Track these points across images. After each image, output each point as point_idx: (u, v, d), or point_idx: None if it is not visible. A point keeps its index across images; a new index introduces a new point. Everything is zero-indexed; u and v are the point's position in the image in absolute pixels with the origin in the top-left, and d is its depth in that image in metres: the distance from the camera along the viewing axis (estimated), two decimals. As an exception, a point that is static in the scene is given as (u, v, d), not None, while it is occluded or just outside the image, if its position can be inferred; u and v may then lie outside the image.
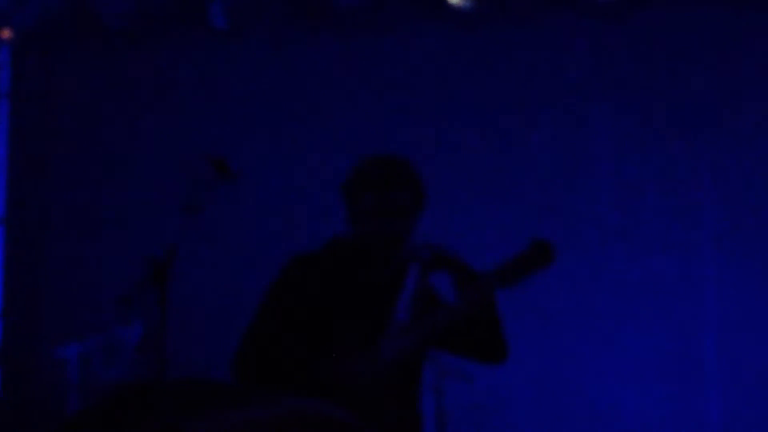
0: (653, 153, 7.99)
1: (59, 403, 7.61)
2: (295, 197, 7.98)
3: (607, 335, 7.94)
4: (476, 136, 8.17)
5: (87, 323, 7.64)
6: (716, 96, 7.93)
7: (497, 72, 8.22)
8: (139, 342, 7.74)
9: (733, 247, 7.82)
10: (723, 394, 7.84)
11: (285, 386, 3.99)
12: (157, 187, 7.97)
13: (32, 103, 8.80)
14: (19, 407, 8.32)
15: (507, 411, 8.12)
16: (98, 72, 8.66)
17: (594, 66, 8.14)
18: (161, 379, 4.97)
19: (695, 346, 7.90)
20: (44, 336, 8.14)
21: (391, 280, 4.15)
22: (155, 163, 8.02)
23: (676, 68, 8.00)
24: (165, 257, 4.29)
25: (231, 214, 7.38)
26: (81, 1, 8.31)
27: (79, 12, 8.34)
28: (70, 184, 8.72)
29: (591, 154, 8.12)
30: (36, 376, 8.22)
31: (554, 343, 7.77)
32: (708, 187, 7.94)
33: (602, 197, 8.03)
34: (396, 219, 4.08)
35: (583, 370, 7.89)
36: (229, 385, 3.44)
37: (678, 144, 7.95)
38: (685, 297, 7.86)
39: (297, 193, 8.00)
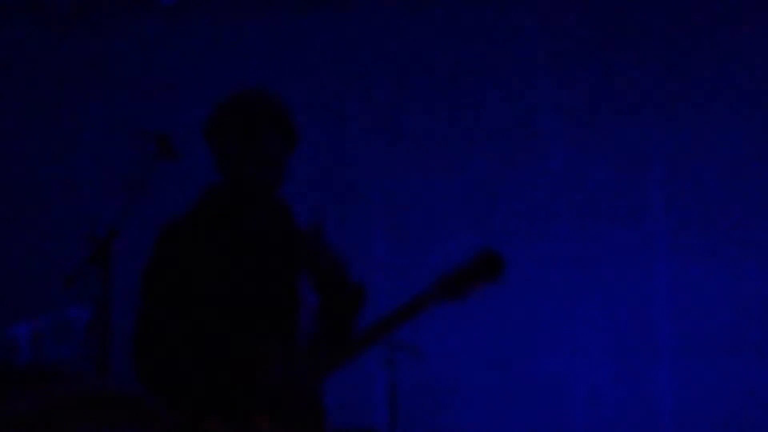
0: (603, 129, 7.97)
1: (6, 381, 7.55)
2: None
3: (560, 310, 7.95)
4: (426, 111, 8.09)
5: (37, 302, 7.54)
6: (668, 74, 7.93)
7: (447, 48, 8.14)
8: (90, 321, 7.67)
9: (684, 218, 7.84)
10: (674, 368, 7.85)
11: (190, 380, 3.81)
12: (103, 164, 7.93)
13: None
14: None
15: (460, 386, 8.06)
16: (43, 48, 8.58)
17: (543, 42, 8.08)
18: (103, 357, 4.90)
19: (648, 320, 7.94)
20: None
21: (269, 227, 4.00)
22: (101, 140, 7.96)
23: (629, 45, 7.97)
24: (107, 236, 4.20)
25: (175, 192, 7.33)
26: None
27: None
28: (16, 162, 8.62)
29: (539, 131, 8.07)
30: None
31: (507, 317, 7.73)
32: (658, 161, 7.93)
33: (552, 173, 8.00)
34: (264, 167, 3.91)
35: (536, 345, 7.90)
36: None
37: (628, 120, 7.95)
38: (637, 271, 7.87)
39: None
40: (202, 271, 3.87)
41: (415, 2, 8.10)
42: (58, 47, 8.55)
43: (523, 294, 7.65)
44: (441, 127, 8.11)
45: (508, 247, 7.65)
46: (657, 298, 7.88)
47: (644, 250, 7.90)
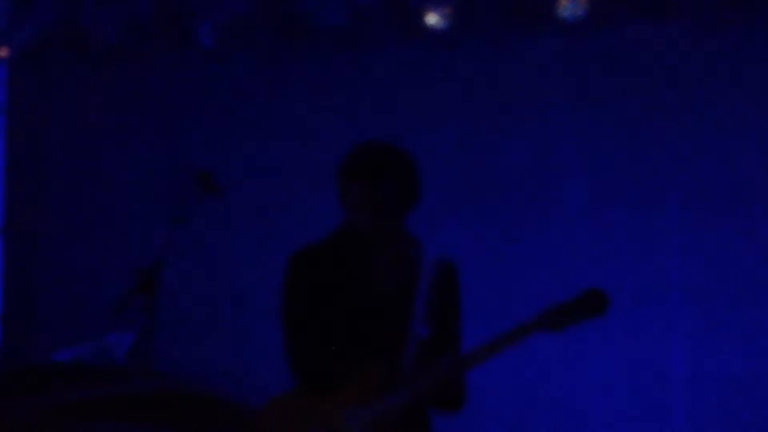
0: (621, 162, 7.89)
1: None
2: (279, 210, 7.95)
3: (577, 342, 7.48)
4: (453, 148, 8.08)
5: (81, 330, 7.57)
6: (678, 106, 7.82)
7: (472, 88, 8.15)
8: (130, 348, 7.73)
9: (702, 256, 7.73)
10: (689, 403, 7.77)
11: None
12: (147, 200, 7.96)
13: (28, 119, 8.80)
14: (13, 410, 8.26)
15: (481, 412, 7.48)
16: (91, 88, 8.64)
17: (563, 81, 8.04)
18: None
19: (662, 355, 7.80)
20: (41, 341, 8.11)
21: (389, 263, 4.09)
22: (146, 177, 8.04)
23: (642, 82, 7.91)
24: (153, 267, 4.35)
25: (218, 226, 7.41)
26: (73, 21, 8.28)
27: (72, 31, 8.31)
28: (65, 197, 8.70)
29: (561, 164, 8.02)
30: (32, 381, 7.64)
31: (526, 349, 7.62)
32: (675, 199, 7.86)
33: (572, 207, 7.95)
34: (379, 213, 4.00)
35: (553, 376, 7.82)
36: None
37: (645, 151, 7.90)
38: (654, 306, 7.78)
39: (280, 207, 7.97)
40: (320, 297, 4.01)
41: (444, 47, 8.10)
42: (107, 89, 8.62)
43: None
44: (471, 164, 8.11)
45: (529, 281, 7.69)
46: (673, 335, 7.79)
47: (661, 288, 7.79)
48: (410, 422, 3.97)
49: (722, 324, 7.65)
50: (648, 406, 7.80)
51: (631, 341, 7.77)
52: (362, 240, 4.07)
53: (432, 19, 7.85)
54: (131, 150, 8.46)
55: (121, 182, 8.38)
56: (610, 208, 7.94)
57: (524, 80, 8.09)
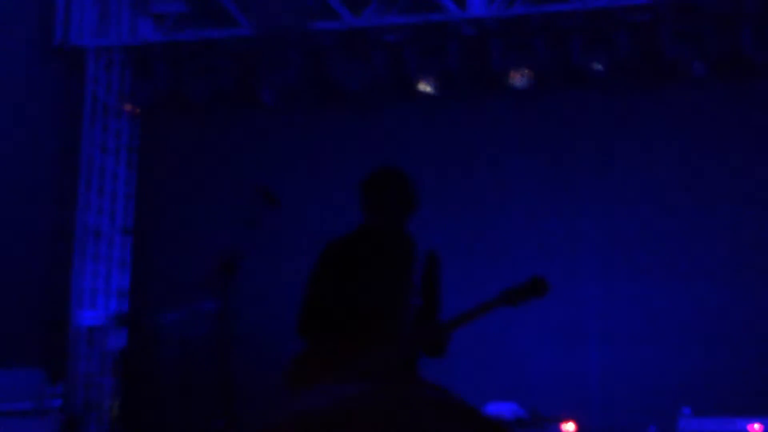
0: (552, 183, 8.00)
1: (162, 351, 7.66)
2: (321, 217, 7.86)
3: (521, 311, 7.68)
4: (438, 176, 8.00)
5: (180, 299, 7.32)
6: (596, 154, 7.96)
7: (451, 135, 8.25)
8: (216, 312, 7.59)
9: (612, 257, 7.79)
10: (600, 352, 7.74)
11: (333, 336, 3.85)
12: (230, 209, 7.68)
13: (147, 154, 8.88)
14: (137, 354, 8.38)
15: (454, 355, 7.80)
16: (190, 133, 8.76)
17: (515, 131, 8.15)
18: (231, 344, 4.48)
19: (581, 317, 7.83)
20: (153, 308, 8.06)
21: (394, 252, 4.00)
22: (230, 194, 7.88)
23: (571, 134, 8.03)
24: (231, 257, 4.14)
25: (279, 228, 7.09)
26: (178, 88, 8.37)
27: (177, 94, 8.44)
28: (174, 207, 8.70)
29: (510, 188, 8.11)
30: (148, 334, 8.16)
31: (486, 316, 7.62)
32: (590, 215, 7.92)
33: (519, 217, 7.99)
34: (385, 214, 3.95)
35: (506, 334, 7.75)
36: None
37: (567, 179, 7.98)
38: (570, 288, 7.72)
39: (323, 215, 7.87)
40: (346, 272, 3.93)
41: (434, 109, 8.14)
42: (200, 134, 8.68)
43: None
44: (467, 193, 8.09)
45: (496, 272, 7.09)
46: (588, 302, 7.78)
47: (578, 276, 7.80)
48: (407, 365, 3.87)
49: (626, 297, 7.72)
50: (570, 354, 7.79)
51: (557, 308, 7.62)
52: (374, 235, 4.03)
53: (423, 86, 8.02)
54: (217, 175, 8.47)
55: (211, 197, 8.38)
56: (545, 219, 7.99)
57: (487, 130, 8.21)
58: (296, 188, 7.85)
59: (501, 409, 6.95)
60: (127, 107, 8.60)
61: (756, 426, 6.57)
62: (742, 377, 7.23)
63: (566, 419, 6.91)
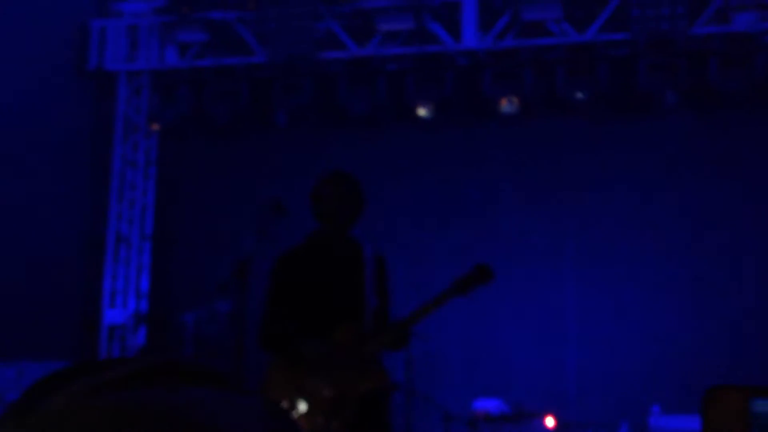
0: (535, 209, 8.21)
1: (182, 350, 7.54)
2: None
3: (508, 314, 8.03)
4: (430, 192, 8.26)
5: (198, 300, 7.52)
6: (577, 177, 8.17)
7: (446, 156, 8.47)
8: (230, 312, 7.11)
9: (590, 268, 7.95)
10: (578, 353, 7.90)
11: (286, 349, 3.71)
12: (244, 219, 7.33)
13: (170, 169, 9.09)
14: (157, 352, 8.54)
15: (445, 355, 7.87)
16: (209, 150, 8.93)
17: (503, 154, 8.40)
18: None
19: (561, 321, 7.99)
20: (173, 308, 8.14)
21: (345, 257, 3.92)
22: (243, 205, 7.32)
23: (556, 158, 8.23)
24: (244, 262, 3.98)
25: (288, 235, 6.97)
26: (201, 108, 8.62)
27: (200, 115, 8.68)
28: (192, 217, 8.90)
29: (496, 201, 8.28)
30: (168, 333, 8.26)
31: (475, 317, 7.75)
32: (571, 237, 8.08)
33: (508, 241, 8.10)
34: (328, 219, 3.91)
35: (492, 333, 8.04)
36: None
37: (553, 200, 8.19)
38: (553, 297, 8.04)
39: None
40: (302, 281, 3.89)
41: (430, 132, 8.25)
42: (219, 152, 8.78)
43: (485, 303, 7.40)
44: (448, 208, 8.19)
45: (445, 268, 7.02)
46: (567, 307, 7.95)
47: (558, 281, 8.02)
48: (372, 365, 3.78)
49: (600, 301, 7.91)
50: (550, 350, 7.91)
51: (537, 311, 7.99)
52: (326, 241, 3.96)
53: (421, 111, 8.29)
54: (233, 188, 8.58)
55: (227, 208, 8.44)
56: (530, 233, 8.18)
57: (478, 151, 8.45)
58: (304, 200, 7.37)
59: (487, 404, 7.04)
60: (154, 126, 8.87)
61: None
62: (709, 377, 7.17)
63: (546, 414, 6.96)
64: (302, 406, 3.59)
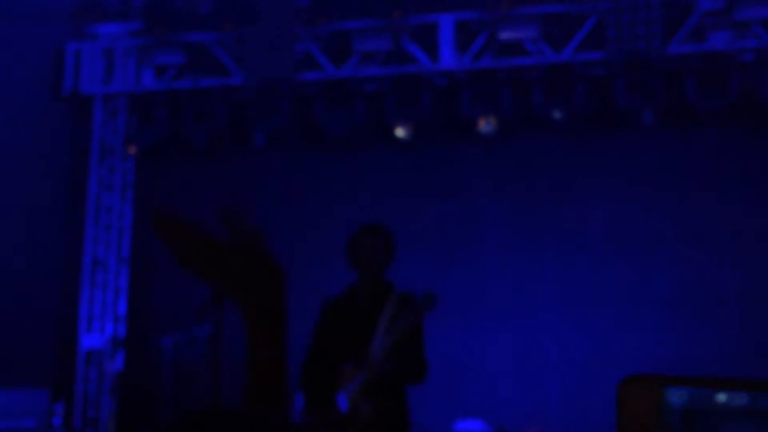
0: (515, 227, 8.27)
1: (160, 374, 7.37)
2: (305, 247, 7.89)
3: (490, 337, 8.04)
4: (411, 213, 8.19)
5: (177, 325, 7.23)
6: (555, 194, 8.21)
7: (424, 176, 8.44)
8: (208, 337, 7.42)
9: (571, 289, 8.01)
10: (559, 374, 7.94)
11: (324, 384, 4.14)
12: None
13: (147, 191, 8.97)
14: (135, 377, 8.46)
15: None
16: (187, 172, 8.87)
17: (482, 172, 8.39)
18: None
19: (542, 342, 8.04)
20: (151, 332, 7.94)
21: (372, 308, 4.19)
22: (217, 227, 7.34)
23: (533, 176, 8.27)
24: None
25: None
26: (177, 132, 8.59)
27: (177, 138, 8.64)
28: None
29: (477, 219, 8.27)
30: (146, 357, 8.13)
31: (455, 337, 7.72)
32: (552, 254, 8.16)
33: (488, 261, 8.14)
34: (363, 268, 4.19)
35: (473, 353, 8.00)
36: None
37: (529, 219, 8.26)
38: (533, 316, 8.01)
39: (306, 245, 7.93)
40: (334, 327, 4.25)
41: (408, 152, 8.27)
42: (197, 170, 8.71)
43: (468, 321, 7.82)
44: (427, 231, 8.22)
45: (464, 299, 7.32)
46: (548, 331, 7.99)
47: (539, 301, 8.05)
48: (390, 392, 4.12)
49: (582, 326, 7.96)
50: (529, 379, 7.98)
51: (521, 336, 8.02)
52: (358, 289, 4.25)
53: (399, 132, 8.29)
54: (209, 210, 7.98)
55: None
56: (510, 253, 8.22)
57: (457, 171, 8.46)
58: (283, 221, 7.98)
59: (469, 426, 7.02)
60: (131, 149, 8.81)
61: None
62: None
63: (528, 435, 6.94)
64: None
